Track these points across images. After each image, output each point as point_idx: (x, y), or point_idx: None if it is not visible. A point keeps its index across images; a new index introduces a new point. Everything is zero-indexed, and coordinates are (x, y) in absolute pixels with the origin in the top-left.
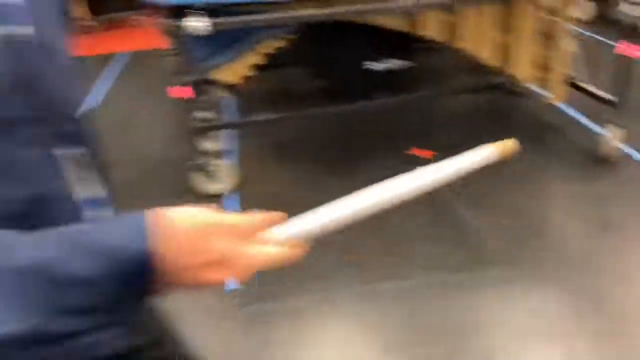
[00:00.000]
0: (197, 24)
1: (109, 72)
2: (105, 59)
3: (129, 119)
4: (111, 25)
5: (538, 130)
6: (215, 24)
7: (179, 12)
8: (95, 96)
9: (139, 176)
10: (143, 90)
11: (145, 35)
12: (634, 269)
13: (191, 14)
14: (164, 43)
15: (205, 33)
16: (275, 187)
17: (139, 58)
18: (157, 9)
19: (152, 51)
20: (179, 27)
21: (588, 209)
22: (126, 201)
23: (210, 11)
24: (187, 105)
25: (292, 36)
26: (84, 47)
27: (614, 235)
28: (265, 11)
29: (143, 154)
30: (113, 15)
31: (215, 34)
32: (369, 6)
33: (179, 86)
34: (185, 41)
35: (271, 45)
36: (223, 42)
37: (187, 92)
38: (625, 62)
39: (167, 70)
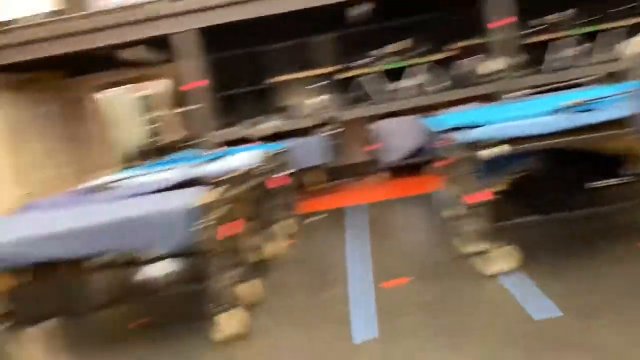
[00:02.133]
0: (497, 149)
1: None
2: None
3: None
4: (338, 188)
5: None
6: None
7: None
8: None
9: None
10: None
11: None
12: None
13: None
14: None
15: (495, 157)
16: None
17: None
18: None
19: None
20: (473, 156)
21: None
22: None
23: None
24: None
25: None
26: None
27: None
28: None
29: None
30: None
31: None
32: None
33: (477, 194)
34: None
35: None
36: (500, 165)
37: (487, 196)
38: None
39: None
